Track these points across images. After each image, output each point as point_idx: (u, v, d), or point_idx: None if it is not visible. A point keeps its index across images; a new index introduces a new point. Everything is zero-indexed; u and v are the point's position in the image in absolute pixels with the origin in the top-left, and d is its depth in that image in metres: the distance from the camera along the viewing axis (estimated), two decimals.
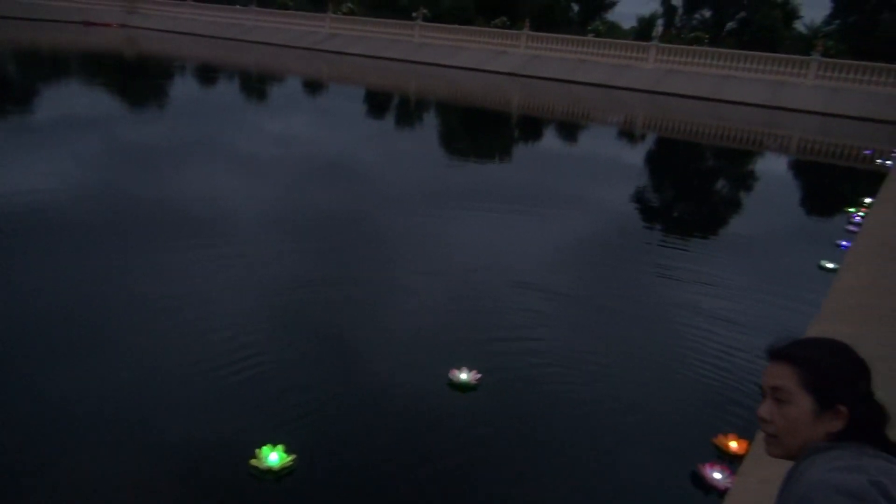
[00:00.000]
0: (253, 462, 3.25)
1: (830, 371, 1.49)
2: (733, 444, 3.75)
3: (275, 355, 4.48)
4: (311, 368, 4.39)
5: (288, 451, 3.31)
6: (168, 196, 8.11)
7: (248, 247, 6.59)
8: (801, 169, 16.80)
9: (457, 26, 36.61)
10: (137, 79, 22.25)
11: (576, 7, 47.10)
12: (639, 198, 11.33)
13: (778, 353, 1.53)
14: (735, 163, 16.92)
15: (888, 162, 15.15)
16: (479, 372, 4.28)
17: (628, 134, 20.18)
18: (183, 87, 21.27)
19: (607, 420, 4.08)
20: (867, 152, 17.85)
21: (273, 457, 3.25)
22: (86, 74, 22.11)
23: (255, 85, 23.82)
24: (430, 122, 19.44)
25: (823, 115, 25.19)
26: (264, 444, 3.32)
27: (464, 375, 4.23)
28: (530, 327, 5.35)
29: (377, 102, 22.25)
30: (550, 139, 17.91)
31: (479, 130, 18.28)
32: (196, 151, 11.00)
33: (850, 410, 1.45)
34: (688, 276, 6.90)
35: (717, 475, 3.49)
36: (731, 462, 3.65)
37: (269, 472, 3.21)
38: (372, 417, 3.87)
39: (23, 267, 5.53)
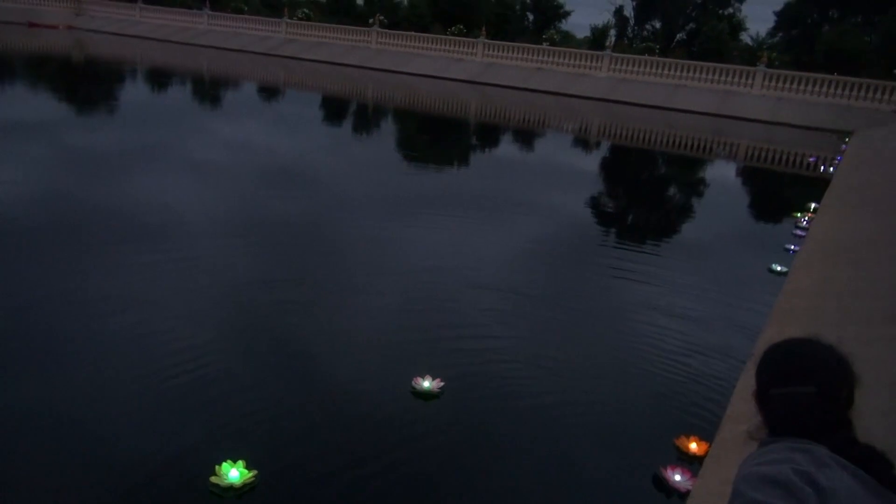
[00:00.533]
0: (213, 479, 3.16)
1: (760, 365, 1.67)
2: (693, 446, 3.81)
3: (231, 364, 4.38)
4: (269, 378, 4.30)
5: (248, 467, 3.23)
6: (117, 202, 7.86)
7: (201, 253, 6.46)
8: (750, 175, 17.31)
9: (414, 33, 36.62)
10: (85, 83, 21.58)
11: (531, 16, 47.65)
12: (593, 203, 11.50)
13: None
14: (686, 169, 17.33)
15: (831, 168, 15.73)
16: (441, 380, 4.25)
17: (583, 141, 20.49)
18: (132, 92, 20.71)
19: (569, 423, 4.11)
20: (811, 159, 18.50)
21: (233, 473, 3.17)
22: (30, 78, 21.34)
23: (208, 90, 23.36)
24: (388, 129, 19.37)
25: (769, 123, 26.03)
26: (224, 461, 3.23)
27: (427, 384, 4.19)
28: (490, 330, 5.36)
29: (334, 109, 22.07)
30: (506, 146, 18.05)
31: (437, 137, 18.30)
32: (144, 157, 10.70)
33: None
34: (642, 280, 7.02)
35: (678, 477, 3.54)
36: (691, 464, 3.70)
37: (231, 489, 3.13)
38: (334, 428, 3.80)
39: None
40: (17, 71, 22.68)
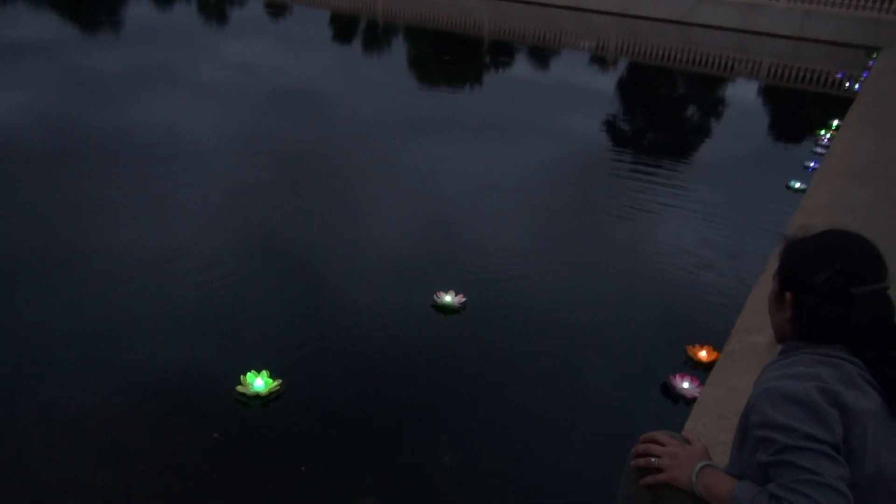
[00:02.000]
0: (239, 388, 3.24)
1: (792, 256, 1.52)
2: (703, 354, 3.87)
3: (252, 284, 4.43)
4: (289, 292, 4.37)
5: (273, 377, 3.30)
6: (129, 124, 7.79)
7: (221, 175, 6.44)
8: (772, 94, 16.81)
9: None
10: None
11: None
12: (608, 125, 11.25)
13: (781, 239, 1.60)
14: (706, 89, 16.84)
15: (856, 85, 15.22)
16: (463, 295, 4.29)
17: (600, 60, 19.87)
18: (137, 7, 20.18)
19: (582, 337, 4.18)
20: (839, 75, 17.84)
21: (258, 382, 3.25)
22: None
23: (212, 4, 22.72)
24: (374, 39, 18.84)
25: (795, 39, 25.04)
26: (248, 371, 3.30)
27: (448, 298, 4.23)
28: (506, 251, 5.36)
29: (346, 26, 21.46)
30: (518, 65, 17.54)
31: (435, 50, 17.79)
32: (150, 77, 10.53)
33: (792, 298, 1.48)
34: (659, 199, 6.95)
35: (686, 385, 3.60)
36: (703, 371, 3.77)
37: (257, 397, 3.21)
38: (355, 339, 3.87)
39: None
40: None
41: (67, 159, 6.40)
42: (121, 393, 3.24)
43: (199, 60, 12.39)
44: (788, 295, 1.50)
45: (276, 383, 3.29)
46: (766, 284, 4.65)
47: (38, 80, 9.36)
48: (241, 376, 3.29)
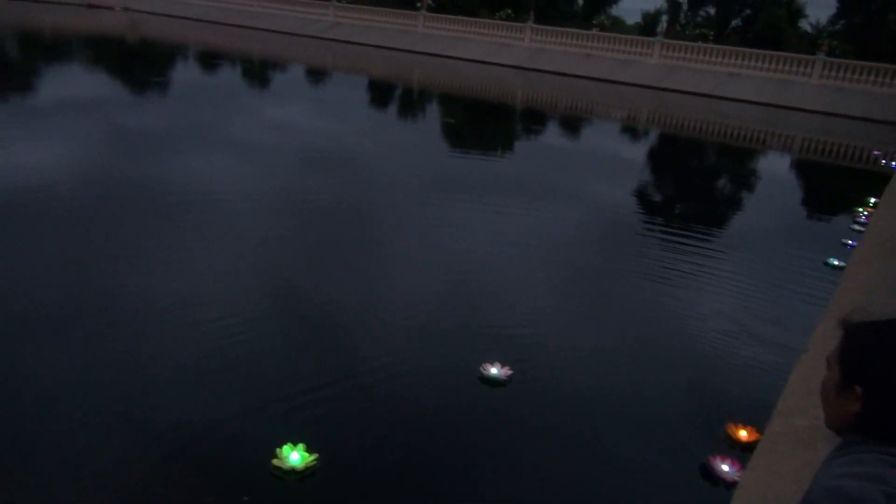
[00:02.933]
0: (275, 462, 3.14)
1: (860, 348, 1.42)
2: (743, 434, 3.75)
3: (288, 344, 4.40)
4: (328, 359, 4.28)
5: (309, 451, 3.20)
6: (169, 182, 8.03)
7: (255, 236, 6.54)
8: (807, 168, 16.77)
9: (461, 17, 36.39)
10: (140, 63, 22.10)
11: (580, 0, 46.83)
12: (645, 194, 11.31)
13: (840, 322, 1.49)
14: (739, 161, 16.87)
15: (893, 163, 15.12)
16: (510, 368, 4.22)
17: (633, 130, 20.11)
18: (186, 73, 21.14)
19: (620, 411, 4.08)
20: (876, 153, 17.73)
21: (294, 456, 3.14)
22: (87, 58, 21.95)
23: (261, 72, 23.69)
24: (435, 114, 19.34)
25: (827, 114, 25.12)
26: (284, 444, 3.20)
27: (494, 370, 4.18)
28: (545, 318, 5.33)
29: (379, 92, 22.13)
30: (555, 133, 17.84)
31: (487, 123, 18.19)
32: (190, 135, 10.92)
33: (864, 393, 1.38)
34: (697, 272, 6.89)
35: (726, 467, 3.48)
36: (741, 451, 3.64)
37: (293, 472, 3.10)
38: (396, 411, 3.76)
39: (25, 252, 5.49)
40: (75, 51, 23.35)
41: (105, 214, 6.58)
42: (149, 453, 3.21)
43: (237, 119, 12.83)
44: (858, 389, 1.39)
45: (312, 458, 3.17)
46: (807, 364, 4.53)
47: (80, 136, 9.76)
48: (277, 449, 3.17)
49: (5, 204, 6.38)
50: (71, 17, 34.56)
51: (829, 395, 1.46)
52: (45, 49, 22.52)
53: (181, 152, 9.58)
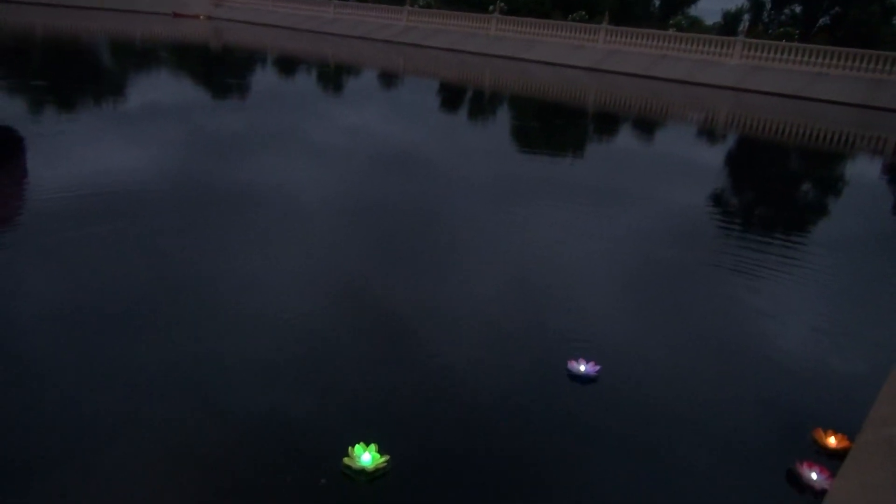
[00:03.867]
0: (346, 461, 3.12)
1: None
2: (832, 441, 3.57)
3: (363, 342, 4.41)
4: (405, 358, 4.26)
5: (381, 451, 3.17)
6: (250, 184, 8.32)
7: (335, 236, 6.65)
8: None
9: (533, 19, 36.23)
10: (224, 68, 23.04)
11: (657, 1, 45.83)
12: (722, 197, 10.91)
13: None
14: (827, 164, 16.07)
15: None
16: (597, 363, 4.17)
17: (709, 132, 19.49)
18: (266, 78, 21.89)
19: (705, 411, 3.95)
20: None
21: (366, 457, 3.11)
22: (176, 64, 23.06)
23: (337, 76, 24.28)
24: (508, 116, 19.32)
25: None
26: (357, 443, 3.19)
27: (582, 367, 4.14)
28: (625, 319, 5.23)
29: (451, 95, 22.28)
30: (629, 136, 17.49)
31: (559, 126, 18.03)
32: (270, 139, 11.28)
33: None
34: (787, 275, 6.57)
35: (815, 475, 3.32)
36: (829, 459, 3.47)
37: (363, 472, 3.08)
38: (471, 411, 3.70)
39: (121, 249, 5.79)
40: (162, 57, 24.57)
41: (182, 213, 6.86)
42: (220, 440, 3.29)
43: (309, 122, 13.18)
44: None
45: (383, 459, 3.13)
46: None
47: (159, 140, 10.25)
48: (350, 448, 3.15)
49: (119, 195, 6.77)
50: (161, 26, 36.40)
51: None
52: (141, 56, 23.80)
53: (256, 154, 9.92)
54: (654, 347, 4.78)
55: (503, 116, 18.97)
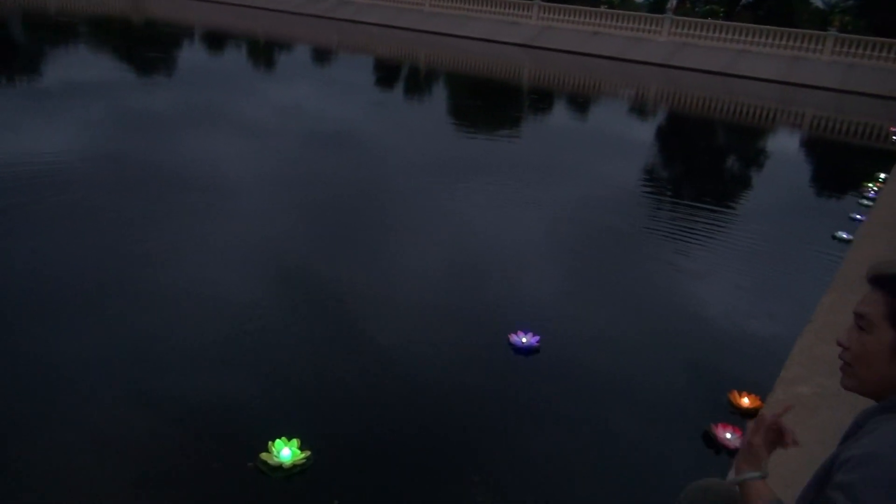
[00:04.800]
0: (263, 456, 2.96)
1: None
2: (746, 401, 3.78)
3: (293, 328, 4.31)
4: (345, 342, 4.16)
5: (302, 448, 3.01)
6: (172, 162, 8.05)
7: (262, 218, 6.55)
8: (818, 145, 16.63)
9: None
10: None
11: None
12: (653, 169, 11.25)
13: (873, 279, 1.39)
14: (750, 138, 16.74)
15: None
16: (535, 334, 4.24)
17: (640, 108, 19.96)
18: (178, 50, 21.09)
19: (624, 381, 4.10)
20: (893, 130, 17.49)
21: (285, 452, 2.95)
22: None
23: (262, 51, 23.60)
24: (442, 94, 19.25)
25: (839, 91, 24.83)
26: (279, 437, 3.03)
27: (524, 339, 4.20)
28: (548, 291, 5.35)
29: (384, 72, 22.02)
30: (562, 112, 17.73)
31: (492, 103, 18.10)
32: (196, 116, 10.93)
33: None
34: (702, 244, 6.89)
35: (729, 435, 3.50)
36: (744, 420, 3.66)
37: (279, 468, 2.92)
38: (401, 406, 3.59)
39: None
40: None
41: (112, 194, 6.60)
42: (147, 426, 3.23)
43: (241, 101, 12.78)
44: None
45: (303, 455, 2.97)
46: (812, 335, 4.53)
47: (86, 118, 9.79)
48: (270, 442, 2.99)
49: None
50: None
51: (875, 358, 1.36)
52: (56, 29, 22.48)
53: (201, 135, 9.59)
54: (588, 316, 4.95)
55: (437, 93, 18.91)
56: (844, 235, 7.30)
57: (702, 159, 13.22)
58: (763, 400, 3.77)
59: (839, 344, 1.45)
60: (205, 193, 6.73)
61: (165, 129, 9.55)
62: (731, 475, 1.56)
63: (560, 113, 17.32)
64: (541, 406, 3.73)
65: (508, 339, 4.24)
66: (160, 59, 17.62)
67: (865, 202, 9.11)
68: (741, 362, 4.44)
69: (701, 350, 4.61)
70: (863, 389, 1.41)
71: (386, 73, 21.28)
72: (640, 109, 19.57)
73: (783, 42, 28.36)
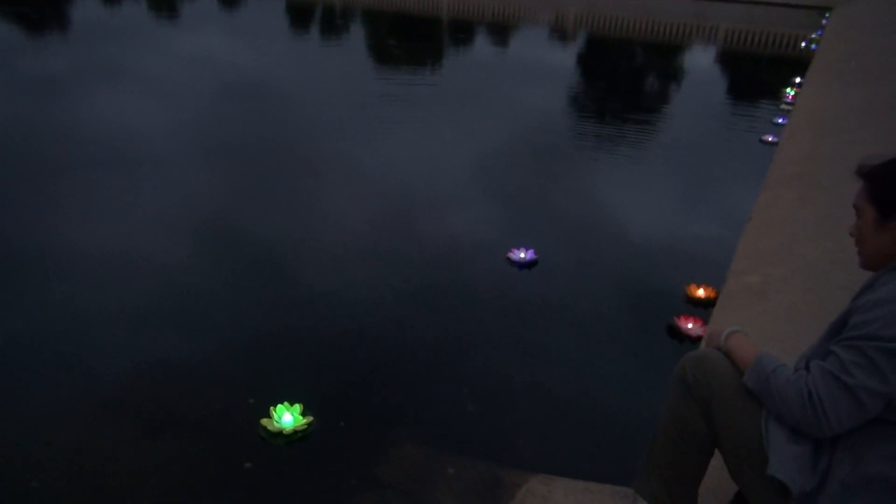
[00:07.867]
0: (263, 422, 2.89)
1: (889, 183, 1.58)
2: (701, 292, 4.11)
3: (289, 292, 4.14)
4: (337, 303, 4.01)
5: (304, 413, 2.93)
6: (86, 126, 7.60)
7: (186, 180, 6.12)
8: (733, 58, 17.15)
9: None
10: None
11: None
12: (579, 93, 11.40)
13: (858, 171, 1.67)
14: (670, 55, 17.10)
15: (813, 45, 15.64)
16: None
17: (563, 34, 19.98)
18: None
19: (592, 285, 4.35)
20: (804, 43, 18.18)
21: (287, 418, 2.88)
22: None
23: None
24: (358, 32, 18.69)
25: (748, 3, 25.52)
26: (280, 403, 2.93)
27: (522, 254, 4.48)
28: (498, 209, 5.48)
29: (304, 14, 21.17)
30: (484, 43, 17.55)
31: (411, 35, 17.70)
32: (100, 76, 10.30)
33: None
34: (640, 159, 7.15)
35: (690, 325, 3.77)
36: (702, 310, 3.96)
37: (280, 434, 2.85)
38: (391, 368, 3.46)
39: None
40: None
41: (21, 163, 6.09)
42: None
43: (149, 56, 11.80)
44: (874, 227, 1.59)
45: (304, 421, 2.90)
46: (753, 230, 4.85)
47: None
48: (271, 408, 2.91)
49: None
50: None
51: (867, 236, 1.62)
52: None
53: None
54: (548, 229, 5.15)
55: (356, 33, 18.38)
56: (771, 139, 7.69)
57: (620, 80, 13.46)
58: (717, 290, 4.06)
59: (850, 234, 1.70)
60: (119, 161, 6.28)
61: (59, 92, 8.66)
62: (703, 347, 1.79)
63: (482, 45, 17.16)
64: (512, 314, 3.94)
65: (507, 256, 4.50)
66: (40, 14, 16.32)
67: (786, 106, 9.57)
68: (693, 261, 4.74)
69: (656, 254, 4.89)
70: (868, 264, 1.66)
71: (300, 17, 20.45)
72: (560, 35, 19.60)
73: None
